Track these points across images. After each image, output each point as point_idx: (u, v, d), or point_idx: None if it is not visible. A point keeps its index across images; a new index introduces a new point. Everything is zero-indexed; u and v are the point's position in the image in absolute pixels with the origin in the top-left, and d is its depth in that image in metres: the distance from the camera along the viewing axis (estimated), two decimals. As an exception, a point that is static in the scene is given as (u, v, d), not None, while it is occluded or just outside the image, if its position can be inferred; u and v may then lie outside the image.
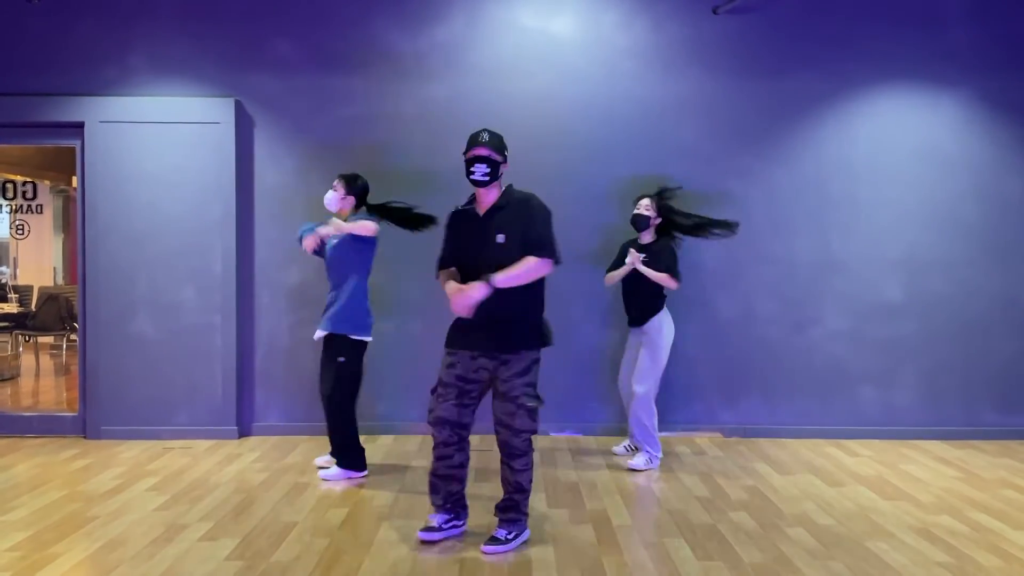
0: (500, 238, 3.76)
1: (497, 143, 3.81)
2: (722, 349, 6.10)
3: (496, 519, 3.92)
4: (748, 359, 6.11)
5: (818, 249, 6.11)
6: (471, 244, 3.82)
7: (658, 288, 5.23)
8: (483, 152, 3.76)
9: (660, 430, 6.03)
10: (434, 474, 3.89)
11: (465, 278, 3.80)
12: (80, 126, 5.87)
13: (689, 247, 5.78)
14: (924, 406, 6.13)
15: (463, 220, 3.92)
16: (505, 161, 3.84)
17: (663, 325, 5.25)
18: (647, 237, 5.34)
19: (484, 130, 3.84)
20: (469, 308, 3.70)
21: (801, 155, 6.10)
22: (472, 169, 3.77)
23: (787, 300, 6.12)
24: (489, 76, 6.02)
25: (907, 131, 6.11)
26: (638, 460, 5.24)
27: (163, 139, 5.84)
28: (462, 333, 3.83)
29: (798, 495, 4.70)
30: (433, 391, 3.88)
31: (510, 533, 3.84)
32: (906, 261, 6.12)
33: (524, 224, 3.77)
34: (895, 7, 6.08)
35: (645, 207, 5.30)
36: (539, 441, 5.79)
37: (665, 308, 5.29)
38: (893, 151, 6.11)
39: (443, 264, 3.95)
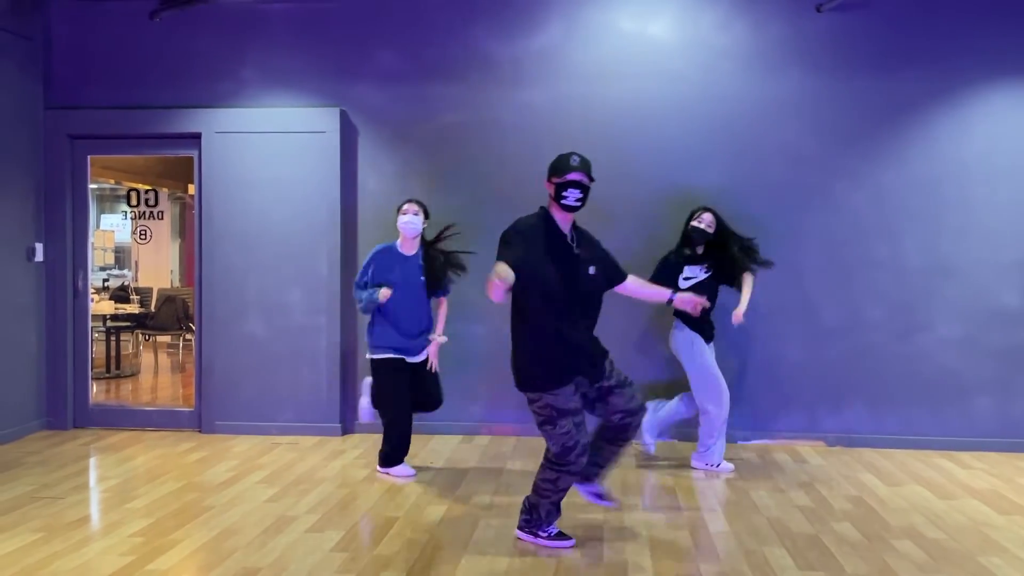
0: (591, 270, 3.76)
1: (588, 167, 3.71)
2: (826, 355, 5.94)
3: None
4: (853, 366, 5.93)
5: (928, 252, 5.88)
6: (562, 270, 3.67)
7: None
8: (578, 177, 3.66)
9: (762, 438, 5.98)
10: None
11: (547, 301, 3.65)
12: (197, 137, 6.19)
13: (788, 249, 5.69)
14: (1045, 418, 5.82)
15: (547, 240, 3.71)
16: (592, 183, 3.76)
17: None
18: (700, 250, 5.28)
19: (574, 153, 3.71)
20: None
21: (911, 156, 5.89)
22: (565, 194, 3.65)
23: (895, 305, 5.91)
24: (586, 81, 6.04)
25: (1025, 129, 5.83)
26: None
27: (273, 148, 6.11)
28: (583, 361, 3.72)
29: (906, 507, 4.54)
30: (566, 432, 3.66)
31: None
32: (1024, 265, 5.84)
33: (602, 256, 3.87)
34: (1007, 0, 5.80)
35: (708, 223, 5.22)
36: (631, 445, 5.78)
37: None
38: (1010, 150, 5.82)
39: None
